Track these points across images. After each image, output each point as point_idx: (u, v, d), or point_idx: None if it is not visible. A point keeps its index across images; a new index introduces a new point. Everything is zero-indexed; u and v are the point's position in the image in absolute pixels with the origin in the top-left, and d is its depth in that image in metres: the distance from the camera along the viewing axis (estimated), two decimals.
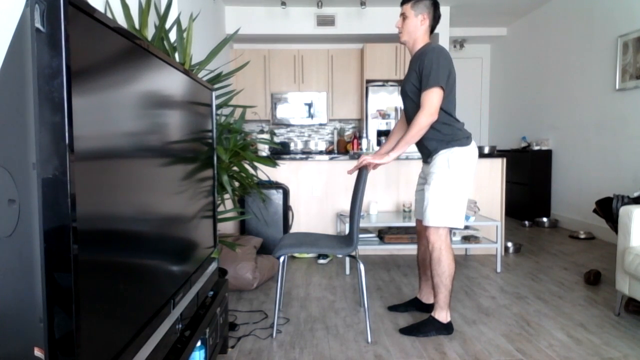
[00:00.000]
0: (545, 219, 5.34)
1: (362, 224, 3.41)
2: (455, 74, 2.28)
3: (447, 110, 2.27)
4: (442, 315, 2.30)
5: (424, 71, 2.18)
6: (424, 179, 2.45)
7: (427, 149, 2.34)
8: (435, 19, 2.32)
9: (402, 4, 2.33)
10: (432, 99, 2.16)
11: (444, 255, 2.26)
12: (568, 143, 5.24)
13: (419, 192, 2.50)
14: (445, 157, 2.26)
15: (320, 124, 6.80)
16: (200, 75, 2.38)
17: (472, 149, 2.30)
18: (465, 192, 2.28)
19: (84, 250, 0.80)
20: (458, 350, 2.13)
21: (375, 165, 2.33)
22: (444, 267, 2.26)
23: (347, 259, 3.44)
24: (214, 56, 2.30)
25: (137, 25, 2.24)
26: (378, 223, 3.54)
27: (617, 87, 4.38)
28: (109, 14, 2.13)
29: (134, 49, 1.06)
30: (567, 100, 5.23)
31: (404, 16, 2.31)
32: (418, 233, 2.61)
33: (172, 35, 2.38)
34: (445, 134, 2.27)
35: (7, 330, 0.84)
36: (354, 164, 3.90)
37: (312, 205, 3.99)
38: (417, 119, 2.18)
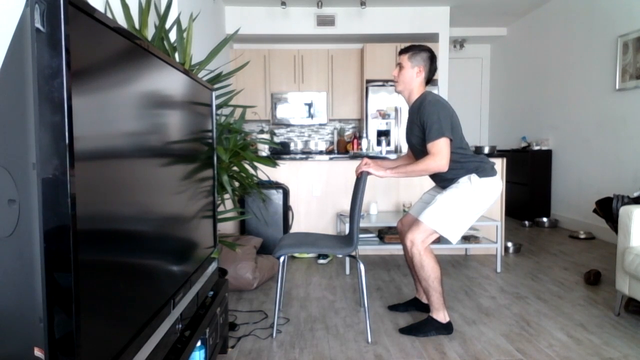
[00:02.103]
0: (545, 219, 5.33)
1: (362, 224, 3.41)
2: (458, 118, 2.29)
3: (461, 152, 2.28)
4: (440, 315, 2.30)
5: (426, 125, 2.19)
6: (441, 190, 2.43)
7: (449, 183, 2.34)
8: (432, 71, 2.35)
9: (400, 54, 2.37)
10: (442, 148, 2.17)
11: (425, 260, 2.24)
12: (568, 143, 5.24)
13: (429, 195, 2.49)
14: (468, 177, 2.27)
15: (320, 124, 6.80)
16: (200, 75, 2.38)
17: (496, 180, 2.30)
18: (473, 214, 2.27)
19: (84, 250, 0.80)
20: (458, 350, 2.13)
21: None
22: (428, 272, 2.24)
23: (347, 259, 3.44)
24: (214, 56, 2.30)
25: (137, 25, 2.23)
26: (378, 223, 3.54)
27: (617, 87, 4.38)
28: (109, 14, 2.13)
29: (134, 49, 1.06)
30: (567, 100, 5.23)
31: (400, 66, 2.35)
32: (400, 234, 2.58)
33: (172, 35, 2.38)
34: (469, 168, 2.28)
35: (7, 330, 0.84)
36: (354, 163, 3.90)
37: (312, 205, 3.99)
38: (426, 160, 2.18)
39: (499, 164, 3.91)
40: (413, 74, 2.32)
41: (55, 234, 0.75)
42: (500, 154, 4.03)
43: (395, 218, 3.64)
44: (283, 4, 5.50)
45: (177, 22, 2.25)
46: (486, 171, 2.28)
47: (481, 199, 2.26)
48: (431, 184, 2.62)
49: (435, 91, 5.18)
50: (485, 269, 3.52)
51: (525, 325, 2.43)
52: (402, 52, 2.35)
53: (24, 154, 0.77)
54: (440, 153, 2.17)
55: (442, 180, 2.37)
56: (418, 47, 2.33)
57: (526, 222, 5.36)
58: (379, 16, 5.83)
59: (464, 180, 2.27)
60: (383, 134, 6.10)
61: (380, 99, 6.12)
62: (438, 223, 2.22)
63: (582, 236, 4.61)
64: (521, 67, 6.36)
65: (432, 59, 2.33)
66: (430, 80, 2.37)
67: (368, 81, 6.14)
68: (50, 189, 0.75)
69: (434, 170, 2.20)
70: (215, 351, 1.85)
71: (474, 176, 2.26)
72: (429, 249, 2.27)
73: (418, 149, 2.36)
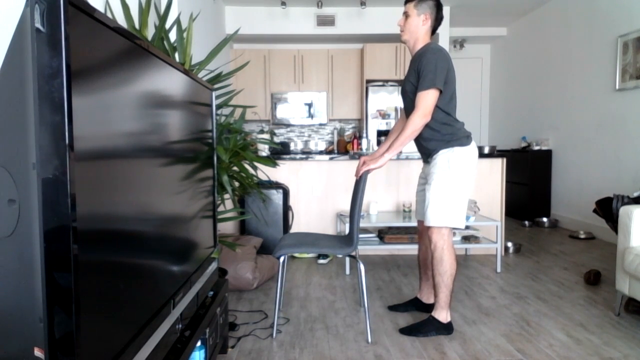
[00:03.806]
0: (545, 219, 5.34)
1: (362, 224, 3.41)
2: (455, 74, 2.28)
3: (446, 111, 2.27)
4: (442, 315, 2.30)
5: (422, 72, 2.19)
6: (424, 179, 2.45)
7: (427, 149, 2.35)
8: (438, 20, 2.33)
9: (406, 2, 2.34)
10: (427, 100, 2.17)
11: (446, 255, 2.26)
12: (568, 143, 5.24)
13: (420, 193, 2.50)
14: (445, 157, 2.26)
15: (320, 124, 6.80)
16: (200, 75, 2.38)
17: (472, 148, 2.30)
18: (466, 192, 2.28)
19: (84, 250, 0.80)
20: (458, 350, 2.13)
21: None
22: (446, 267, 2.26)
23: (347, 259, 3.44)
24: (214, 56, 2.30)
25: (137, 25, 2.23)
26: (378, 223, 3.54)
27: (617, 87, 4.38)
28: (109, 14, 2.13)
29: (134, 49, 1.06)
30: (567, 100, 5.23)
31: (406, 15, 2.32)
32: (419, 233, 2.61)
33: (172, 35, 2.38)
34: (444, 133, 2.27)
35: (7, 330, 0.84)
36: (353, 163, 3.90)
37: (312, 205, 3.99)
38: (411, 119, 2.19)
39: (499, 164, 3.92)
40: (419, 22, 2.29)
41: (55, 234, 0.75)
42: (500, 154, 4.03)
43: (396, 218, 3.64)
44: (283, 4, 5.50)
45: (177, 22, 2.25)
46: (460, 140, 2.28)
47: (463, 174, 2.26)
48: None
49: None
50: (485, 269, 3.52)
51: (525, 325, 2.43)
52: (408, 0, 2.33)
53: (24, 154, 0.77)
54: (424, 106, 2.17)
55: (419, 137, 2.34)
56: None
57: (526, 222, 5.35)
58: (379, 16, 5.82)
59: (441, 162, 2.26)
60: (383, 134, 6.10)
61: (380, 99, 6.12)
62: (444, 219, 2.24)
63: (582, 236, 4.61)
64: (521, 67, 6.36)
65: (439, 7, 2.31)
66: (436, 29, 2.35)
67: (368, 81, 6.14)
68: (50, 189, 0.75)
69: (421, 125, 2.20)
70: (215, 351, 1.85)
71: (450, 154, 2.25)
72: (452, 246, 2.29)
73: (409, 98, 2.35)
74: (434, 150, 2.30)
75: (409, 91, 2.33)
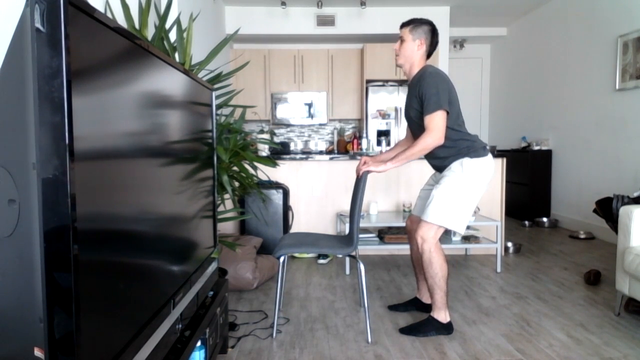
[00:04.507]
0: (545, 219, 5.33)
1: (362, 224, 3.41)
2: (456, 93, 2.29)
3: (456, 128, 2.28)
4: (441, 315, 2.30)
5: (425, 96, 2.19)
6: (434, 182, 2.45)
7: (443, 167, 2.35)
8: (433, 45, 2.34)
9: (401, 27, 2.37)
10: (437, 122, 2.18)
11: (434, 257, 2.25)
12: (568, 143, 5.24)
13: (425, 191, 2.50)
14: (459, 162, 2.26)
15: (320, 124, 6.79)
16: (200, 75, 2.38)
17: (488, 160, 2.30)
18: (473, 199, 2.27)
19: (84, 250, 0.80)
20: (458, 350, 2.13)
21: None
22: (436, 269, 2.25)
23: (347, 259, 3.44)
24: (214, 56, 2.30)
25: (137, 25, 2.23)
26: (378, 223, 3.54)
27: (617, 87, 4.38)
28: (109, 14, 2.13)
29: (134, 49, 1.06)
30: (567, 100, 5.23)
31: (401, 39, 2.35)
32: (408, 232, 2.60)
33: (172, 35, 2.38)
34: (461, 147, 2.28)
35: (7, 330, 0.84)
36: (353, 163, 3.90)
37: (312, 205, 3.99)
38: (423, 138, 2.19)
39: (499, 164, 3.92)
40: (414, 47, 2.31)
41: (55, 234, 0.75)
42: (500, 154, 4.04)
43: (396, 218, 3.64)
44: (283, 4, 5.50)
45: (177, 22, 2.25)
46: (477, 151, 2.28)
47: (476, 182, 2.26)
48: (427, 178, 2.63)
49: None
50: (485, 269, 3.52)
51: (525, 325, 2.43)
52: (404, 25, 2.35)
53: (24, 154, 0.77)
54: (436, 128, 2.17)
55: (435, 159, 2.36)
56: (419, 21, 2.33)
57: (526, 222, 5.35)
58: (379, 16, 5.83)
59: (456, 167, 2.27)
60: (383, 134, 6.10)
61: (380, 99, 6.12)
62: (442, 218, 2.23)
63: (582, 236, 4.61)
64: (521, 67, 6.36)
65: (434, 32, 2.33)
66: (431, 54, 2.37)
67: (368, 81, 6.14)
68: (50, 189, 0.75)
69: (432, 146, 2.21)
70: (215, 351, 1.85)
71: (465, 160, 2.26)
72: (440, 247, 2.28)
73: (415, 123, 2.35)
74: (450, 163, 2.31)
75: (414, 116, 2.34)
